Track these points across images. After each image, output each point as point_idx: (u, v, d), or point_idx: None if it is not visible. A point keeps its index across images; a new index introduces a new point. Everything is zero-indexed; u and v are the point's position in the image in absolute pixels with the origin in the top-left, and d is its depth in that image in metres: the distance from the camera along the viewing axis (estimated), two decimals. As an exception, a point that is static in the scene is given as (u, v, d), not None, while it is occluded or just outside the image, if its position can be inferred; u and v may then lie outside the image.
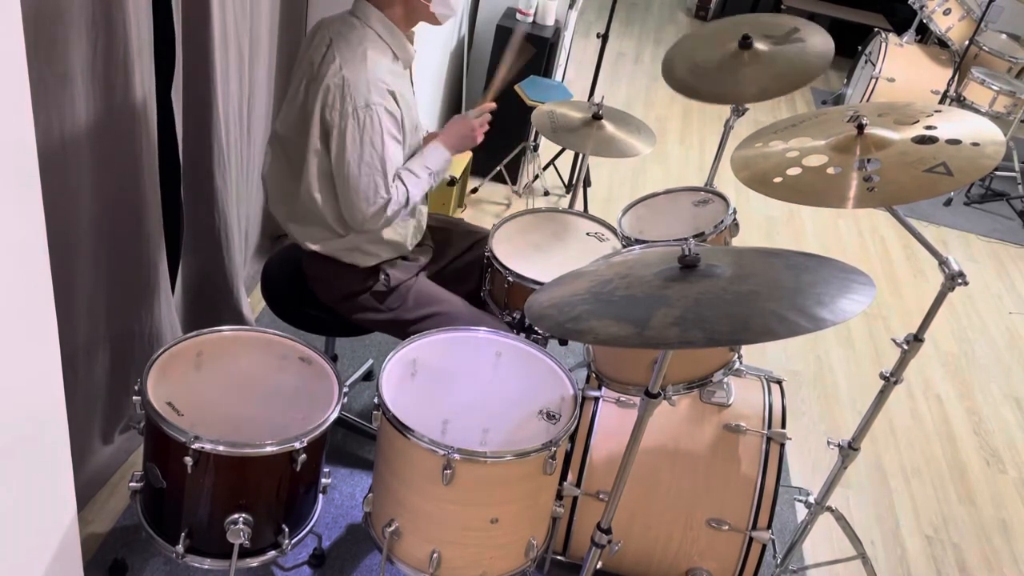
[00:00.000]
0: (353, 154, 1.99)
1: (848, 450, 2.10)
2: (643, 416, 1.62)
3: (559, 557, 2.29)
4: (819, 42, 2.46)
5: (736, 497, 2.13)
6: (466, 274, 2.45)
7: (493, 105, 2.30)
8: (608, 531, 1.76)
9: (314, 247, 2.16)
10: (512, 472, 1.81)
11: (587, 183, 4.06)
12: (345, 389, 1.96)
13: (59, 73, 1.79)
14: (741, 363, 1.92)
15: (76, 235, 1.98)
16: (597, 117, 2.56)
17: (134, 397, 1.84)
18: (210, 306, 2.72)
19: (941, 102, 5.40)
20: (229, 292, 2.71)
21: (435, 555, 1.87)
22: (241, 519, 1.85)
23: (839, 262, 1.50)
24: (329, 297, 2.26)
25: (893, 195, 1.60)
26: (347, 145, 1.99)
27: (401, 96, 2.04)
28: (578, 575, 1.83)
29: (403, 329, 2.24)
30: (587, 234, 2.53)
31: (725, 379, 2.10)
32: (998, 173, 5.30)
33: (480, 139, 2.28)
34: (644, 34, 7.10)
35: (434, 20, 2.09)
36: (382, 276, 2.22)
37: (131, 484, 1.93)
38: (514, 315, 2.30)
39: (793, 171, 1.72)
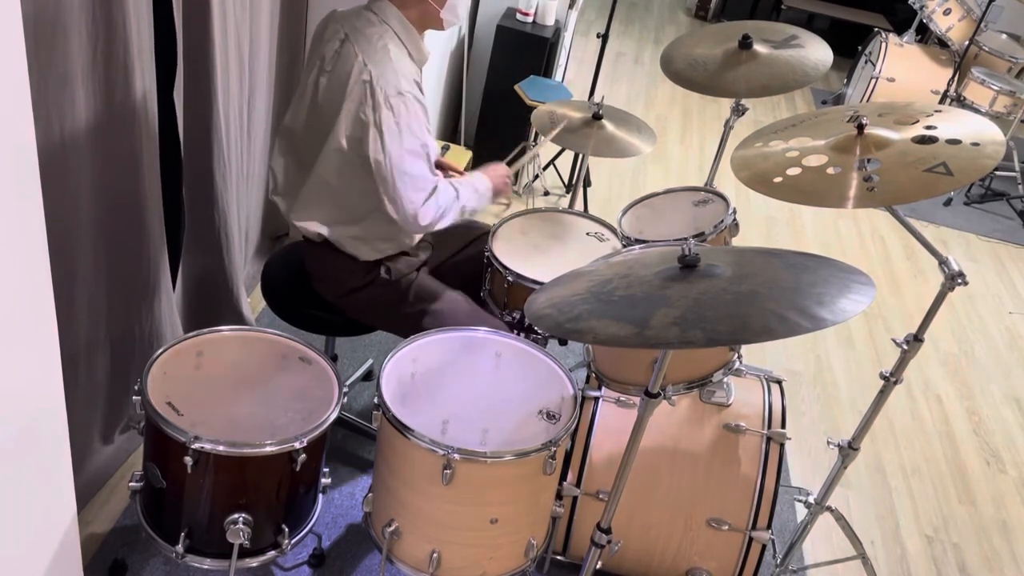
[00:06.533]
0: (394, 145, 1.96)
1: (848, 450, 2.10)
2: (643, 416, 1.62)
3: (559, 557, 2.29)
4: (818, 50, 2.48)
5: (736, 497, 2.13)
6: (466, 273, 2.45)
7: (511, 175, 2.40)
8: (608, 531, 1.76)
9: (319, 230, 2.13)
10: (512, 472, 1.81)
11: (587, 183, 4.06)
12: (345, 389, 1.96)
13: (59, 73, 1.79)
14: (741, 363, 1.92)
15: (76, 235, 1.98)
16: (597, 117, 2.55)
17: (134, 397, 1.84)
18: (210, 306, 2.72)
19: (941, 102, 5.40)
20: (229, 292, 2.71)
21: (435, 555, 1.87)
22: (241, 519, 1.85)
23: (839, 262, 1.50)
24: (331, 293, 2.26)
25: (893, 195, 1.60)
26: (386, 137, 1.96)
27: (423, 88, 2.04)
28: (578, 575, 1.83)
29: (403, 324, 2.24)
30: (587, 234, 2.53)
31: (725, 379, 2.10)
32: (998, 173, 5.30)
33: (510, 192, 2.36)
34: (644, 34, 7.10)
35: (440, 26, 2.10)
36: (383, 270, 2.21)
37: (131, 484, 1.93)
38: (514, 315, 2.30)
39: (793, 171, 1.72)
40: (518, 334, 2.19)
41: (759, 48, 2.50)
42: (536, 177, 4.27)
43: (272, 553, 1.95)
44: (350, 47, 1.99)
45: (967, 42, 5.53)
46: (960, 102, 5.31)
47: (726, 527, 2.13)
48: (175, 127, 2.31)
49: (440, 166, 2.40)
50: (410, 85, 1.98)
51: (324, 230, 2.14)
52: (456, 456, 1.75)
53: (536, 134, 3.96)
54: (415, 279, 2.27)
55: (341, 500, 2.43)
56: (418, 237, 2.27)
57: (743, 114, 2.69)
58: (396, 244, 2.21)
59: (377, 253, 2.19)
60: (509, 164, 2.40)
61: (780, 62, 2.47)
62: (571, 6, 4.14)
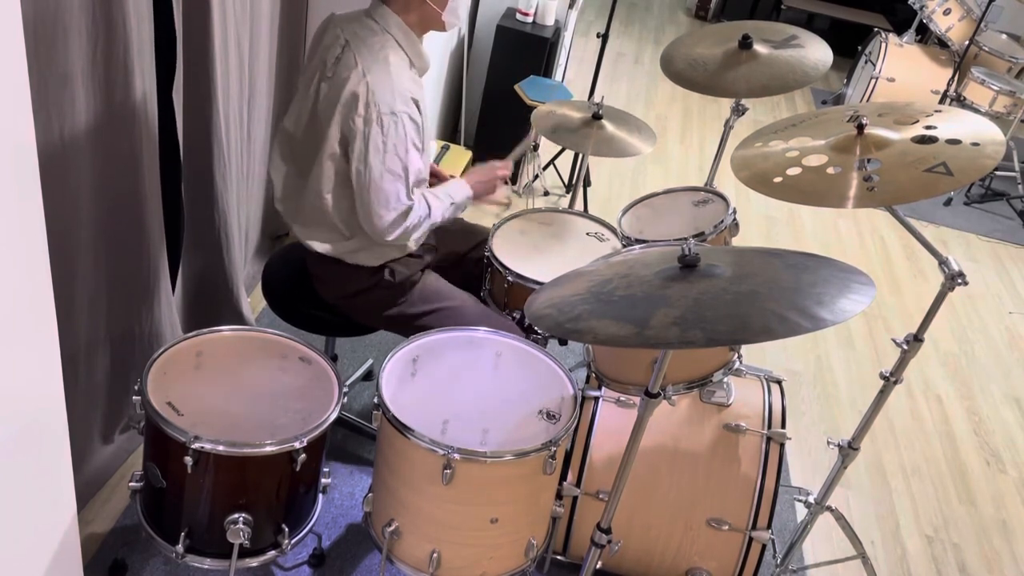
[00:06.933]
0: (376, 160, 1.97)
1: (848, 450, 2.10)
2: (643, 416, 1.62)
3: (559, 557, 2.29)
4: (818, 50, 2.48)
5: (736, 497, 2.13)
6: (467, 274, 2.45)
7: (509, 170, 2.40)
8: (608, 531, 1.76)
9: (320, 249, 2.15)
10: (512, 472, 1.81)
11: (587, 183, 4.06)
12: (345, 389, 1.96)
13: (59, 73, 1.79)
14: (741, 363, 1.92)
15: (76, 235, 1.98)
16: (597, 117, 2.55)
17: (134, 397, 1.84)
18: (210, 306, 2.72)
19: (941, 102, 5.40)
20: (229, 292, 2.71)
21: (435, 555, 1.87)
22: (241, 519, 1.85)
23: (839, 262, 1.50)
24: (334, 296, 2.26)
25: (893, 195, 1.60)
26: (370, 151, 1.97)
27: (422, 104, 2.04)
28: (578, 575, 1.83)
29: (408, 324, 2.23)
30: (587, 234, 2.53)
31: (725, 379, 2.10)
32: (998, 173, 5.30)
33: (498, 190, 2.37)
34: (644, 34, 7.10)
35: (441, 27, 2.10)
36: (387, 272, 2.21)
37: (131, 484, 1.93)
38: (514, 315, 2.30)
39: (793, 171, 1.72)
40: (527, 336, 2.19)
41: (759, 48, 2.50)
42: (536, 177, 4.27)
43: (272, 553, 1.95)
44: (351, 55, 1.98)
45: (967, 42, 5.53)
46: (960, 102, 5.31)
47: (726, 527, 2.13)
48: (175, 127, 2.31)
49: (434, 174, 2.41)
50: (405, 104, 1.97)
51: (326, 247, 2.15)
52: (456, 456, 1.75)
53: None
54: (419, 280, 2.27)
55: (341, 500, 2.43)
56: (418, 243, 2.27)
57: (743, 114, 2.69)
58: (398, 248, 2.20)
59: (380, 259, 2.19)
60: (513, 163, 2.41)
61: (780, 62, 2.47)
62: (571, 6, 4.14)
